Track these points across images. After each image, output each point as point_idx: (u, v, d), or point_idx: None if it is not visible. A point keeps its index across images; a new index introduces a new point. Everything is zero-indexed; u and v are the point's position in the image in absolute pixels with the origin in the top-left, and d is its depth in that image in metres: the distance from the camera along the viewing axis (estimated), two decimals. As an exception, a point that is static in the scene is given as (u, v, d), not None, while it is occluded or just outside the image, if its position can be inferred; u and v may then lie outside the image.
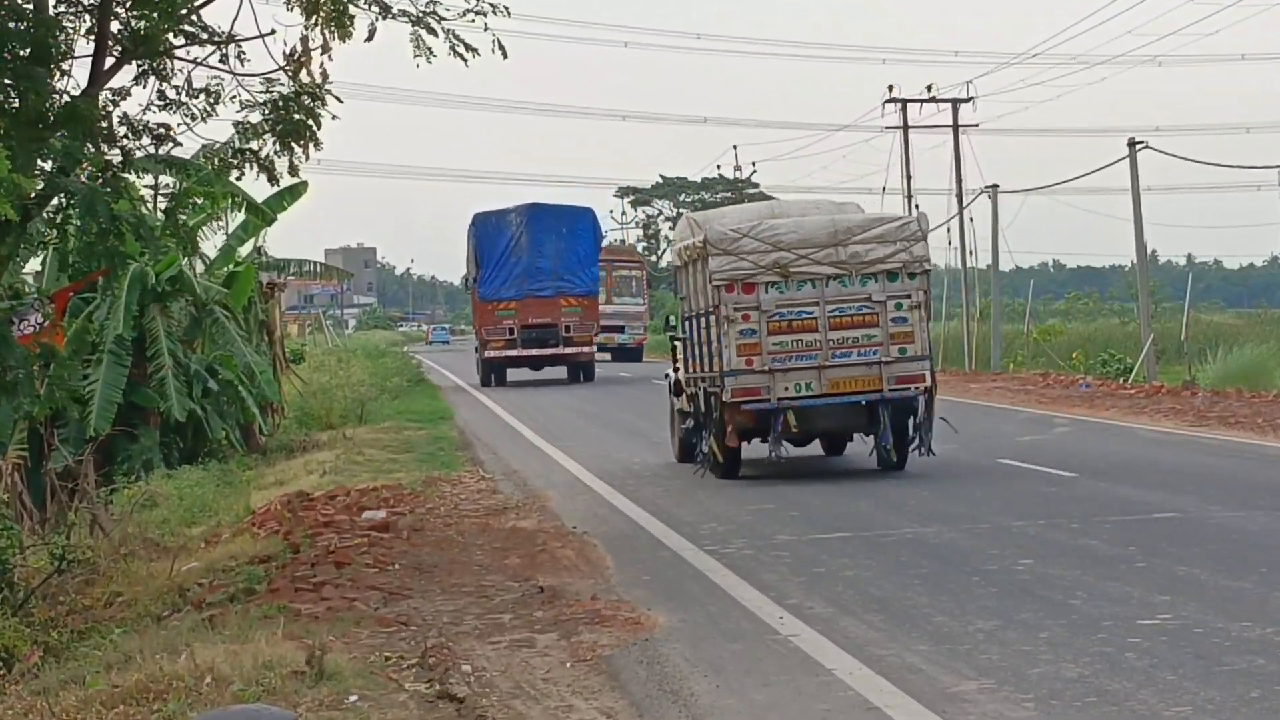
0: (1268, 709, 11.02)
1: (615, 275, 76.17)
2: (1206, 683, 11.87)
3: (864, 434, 28.05)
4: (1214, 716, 10.89)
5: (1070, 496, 23.10)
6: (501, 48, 20.07)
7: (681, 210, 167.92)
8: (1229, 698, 11.36)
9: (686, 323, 31.17)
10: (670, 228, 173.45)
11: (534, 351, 64.92)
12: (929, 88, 74.35)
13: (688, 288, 31.53)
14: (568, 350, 64.85)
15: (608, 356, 76.76)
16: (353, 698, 11.65)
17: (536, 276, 64.24)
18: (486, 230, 66.93)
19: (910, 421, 28.06)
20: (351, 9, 19.80)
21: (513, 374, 66.58)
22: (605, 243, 79.15)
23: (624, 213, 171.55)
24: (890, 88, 74.26)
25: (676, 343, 32.68)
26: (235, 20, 19.71)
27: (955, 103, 73.72)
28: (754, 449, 27.68)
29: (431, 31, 19.77)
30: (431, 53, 19.82)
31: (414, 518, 22.15)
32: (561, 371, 65.98)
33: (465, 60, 19.84)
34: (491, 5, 19.68)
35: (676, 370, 31.72)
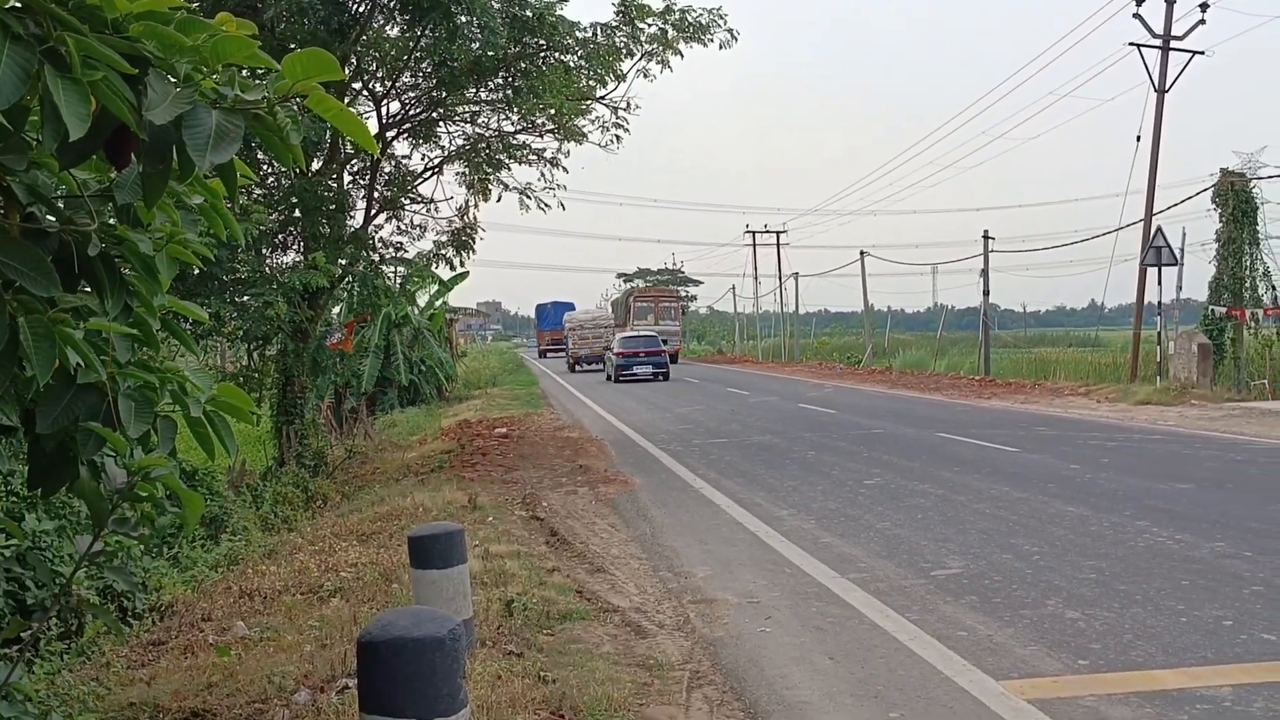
0: (925, 523, 11.07)
1: (661, 306, 62.01)
2: (896, 510, 11.92)
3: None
4: (900, 528, 10.93)
5: (834, 422, 23.07)
6: (561, 204, 20.16)
7: (615, 295, 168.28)
8: (907, 519, 11.41)
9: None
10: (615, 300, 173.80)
11: (556, 348, 76.49)
12: (765, 224, 74.57)
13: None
14: (561, 348, 70.64)
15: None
16: (490, 519, 11.65)
17: (554, 323, 79.08)
18: (540, 307, 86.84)
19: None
20: (490, 186, 19.92)
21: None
22: (612, 299, 78.83)
23: (619, 285, 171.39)
24: (746, 225, 74.63)
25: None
26: (434, 192, 19.99)
27: (778, 233, 73.29)
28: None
29: (527, 197, 19.83)
30: (528, 207, 19.93)
31: (519, 432, 22.11)
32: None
33: (545, 210, 19.92)
34: (557, 186, 19.77)
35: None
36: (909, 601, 8.07)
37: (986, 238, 41.26)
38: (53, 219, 2.84)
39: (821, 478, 14.70)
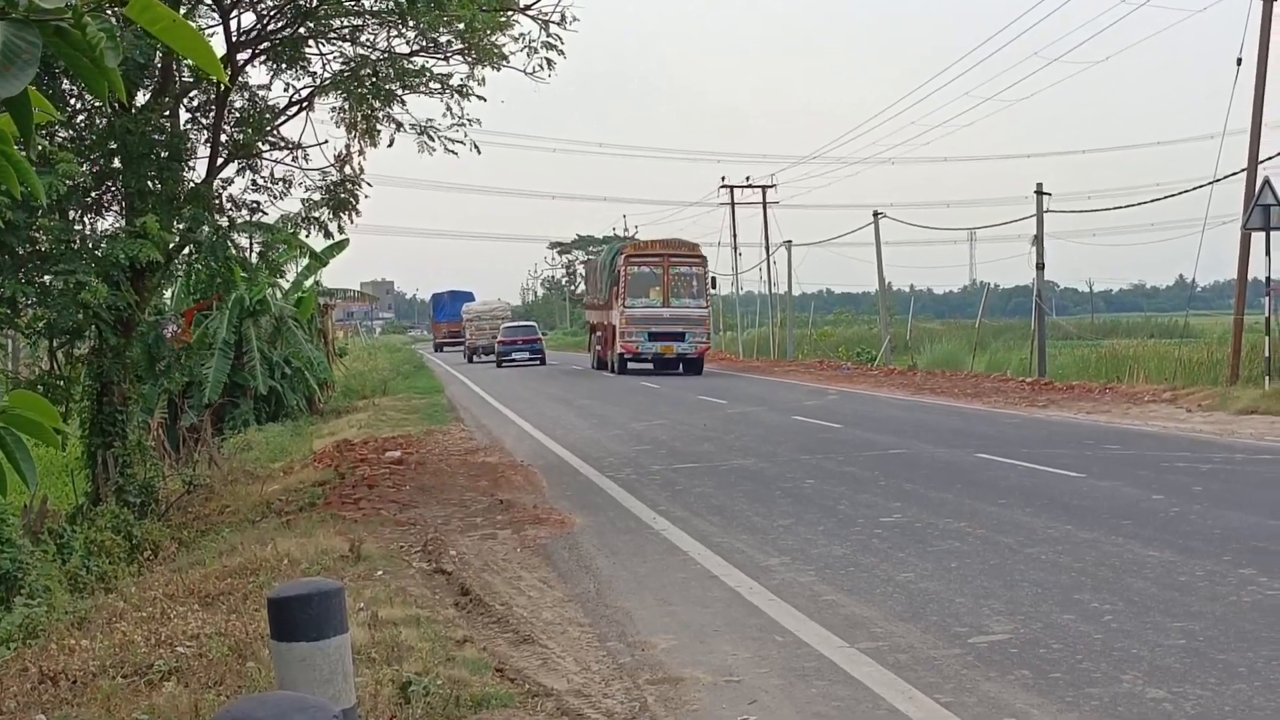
0: (960, 575, 11.15)
1: (673, 273, 48.48)
2: (923, 558, 12.00)
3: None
4: (928, 580, 11.00)
5: (838, 440, 23.17)
6: (476, 147, 20.09)
7: (590, 256, 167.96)
8: (937, 568, 11.49)
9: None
10: (583, 268, 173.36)
11: (454, 341, 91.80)
12: (747, 178, 74.27)
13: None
14: (459, 341, 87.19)
15: (649, 366, 49.63)
16: (379, 572, 11.61)
17: (453, 314, 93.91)
18: (436, 297, 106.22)
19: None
20: (378, 125, 19.87)
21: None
22: (544, 277, 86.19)
23: (553, 258, 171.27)
24: (723, 178, 74.21)
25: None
26: (302, 134, 19.81)
27: (764, 188, 73.57)
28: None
29: (430, 138, 19.78)
30: (431, 150, 19.89)
31: (419, 456, 22.03)
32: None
33: (455, 153, 19.91)
34: (469, 120, 19.71)
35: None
36: (940, 678, 8.12)
37: (1040, 194, 41.55)
38: None
39: (823, 514, 14.75)
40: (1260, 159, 31.21)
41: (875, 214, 54.40)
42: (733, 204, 74.88)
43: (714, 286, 55.31)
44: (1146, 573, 11.02)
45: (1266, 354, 29.19)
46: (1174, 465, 18.33)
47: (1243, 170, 31.45)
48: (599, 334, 55.84)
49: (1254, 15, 31.12)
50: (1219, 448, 20.62)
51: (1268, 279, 28.87)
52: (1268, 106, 31.86)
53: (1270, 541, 12.22)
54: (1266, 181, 29.12)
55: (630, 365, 49.37)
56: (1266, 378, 28.73)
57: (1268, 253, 28.42)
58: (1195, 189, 36.81)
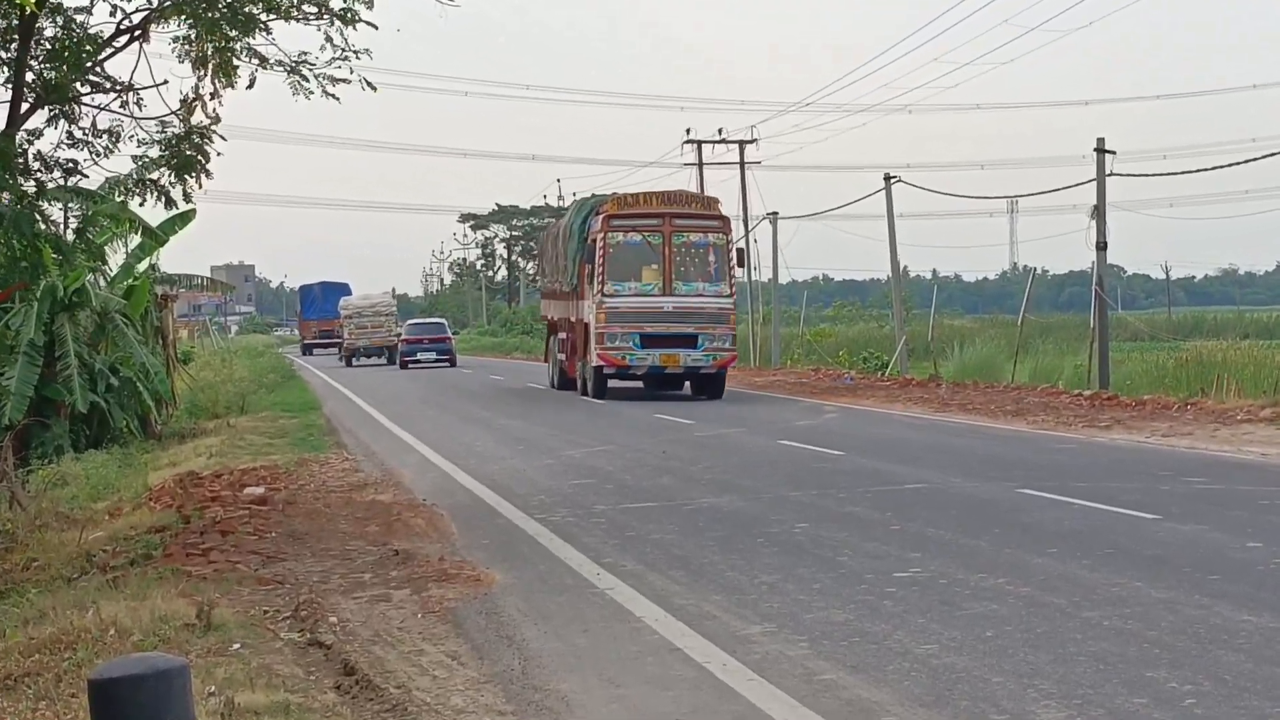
0: (998, 646, 11.16)
1: (678, 244, 40.71)
2: (949, 625, 12.01)
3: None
4: (956, 653, 11.01)
5: (838, 470, 23.22)
6: (370, 84, 19.91)
7: (513, 233, 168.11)
8: (968, 637, 11.50)
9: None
10: (505, 248, 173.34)
11: (326, 341, 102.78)
12: (720, 131, 74.58)
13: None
14: (333, 341, 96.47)
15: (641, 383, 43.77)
16: (236, 646, 11.54)
17: (325, 311, 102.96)
18: (305, 289, 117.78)
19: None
20: (235, 61, 19.65)
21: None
22: (453, 260, 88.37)
23: (465, 235, 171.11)
24: (688, 131, 74.50)
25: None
26: (134, 71, 19.53)
27: (742, 144, 74.00)
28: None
29: (304, 78, 19.62)
30: (309, 92, 19.71)
31: (288, 493, 21.92)
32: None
33: (337, 98, 19.73)
34: (354, 52, 19.55)
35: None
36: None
37: (1102, 152, 41.72)
38: None
39: (820, 568, 14.75)
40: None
41: (887, 178, 54.38)
42: (700, 164, 75.33)
43: (741, 264, 47.23)
44: (1240, 643, 11.05)
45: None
46: (1276, 504, 18.44)
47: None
48: (562, 335, 46.57)
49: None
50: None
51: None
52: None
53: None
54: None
55: (614, 383, 42.07)
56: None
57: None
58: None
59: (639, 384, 43.64)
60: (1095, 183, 41.30)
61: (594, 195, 45.66)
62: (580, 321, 42.83)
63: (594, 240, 41.41)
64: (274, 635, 12.15)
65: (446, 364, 74.40)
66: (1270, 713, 9.22)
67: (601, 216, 41.32)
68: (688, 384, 43.00)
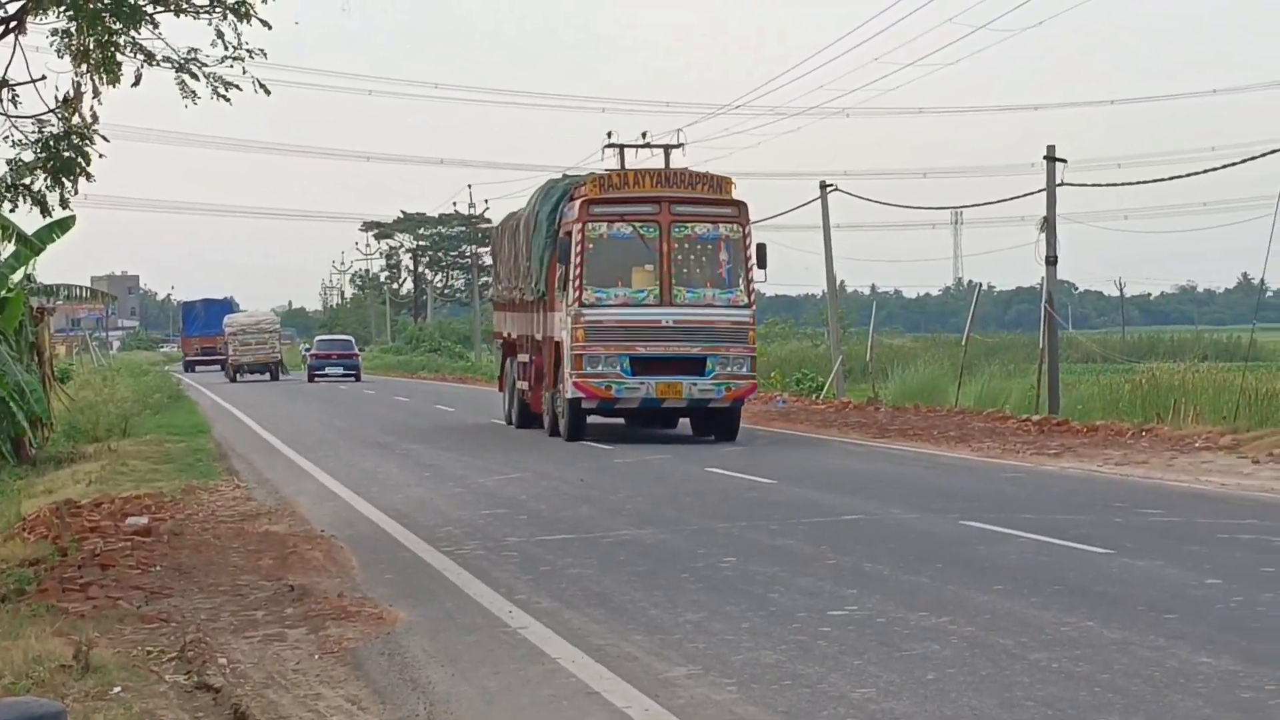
0: (940, 690, 11.20)
1: (679, 236, 34.28)
2: (888, 667, 12.05)
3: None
4: (895, 698, 11.03)
5: (769, 501, 23.27)
6: (264, 87, 19.85)
7: (420, 243, 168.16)
8: (908, 680, 11.54)
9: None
10: (411, 259, 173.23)
11: (209, 358, 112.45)
12: (644, 134, 74.45)
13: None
14: (215, 358, 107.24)
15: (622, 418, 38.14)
16: (117, 689, 11.44)
17: (207, 327, 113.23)
18: (187, 307, 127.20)
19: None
20: (119, 56, 19.52)
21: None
22: (355, 272, 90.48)
23: (368, 245, 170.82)
24: (609, 134, 74.21)
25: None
26: (9, 66, 19.39)
27: (667, 148, 73.80)
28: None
29: (194, 76, 19.55)
30: (196, 95, 19.62)
31: (174, 523, 21.77)
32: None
33: (228, 100, 19.65)
34: (248, 51, 19.47)
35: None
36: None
37: (1051, 160, 42.11)
38: None
39: (750, 605, 14.76)
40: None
41: (823, 186, 54.76)
42: (623, 170, 75.11)
43: (763, 264, 35.68)
44: (1198, 687, 11.13)
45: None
46: (1237, 538, 18.58)
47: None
48: (524, 358, 39.23)
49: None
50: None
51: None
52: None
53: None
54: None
55: (592, 419, 35.60)
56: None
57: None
58: (1266, 155, 37.35)
59: (623, 417, 36.81)
60: (1045, 193, 41.64)
61: (565, 176, 37.65)
62: (550, 339, 35.55)
63: (568, 233, 34.16)
64: (158, 677, 12.06)
65: (353, 379, 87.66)
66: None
67: (578, 203, 34.16)
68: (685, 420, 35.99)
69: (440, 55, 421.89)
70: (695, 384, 31.67)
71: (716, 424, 33.73)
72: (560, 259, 34.00)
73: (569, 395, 32.54)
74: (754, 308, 33.09)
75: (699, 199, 33.63)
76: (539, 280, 36.32)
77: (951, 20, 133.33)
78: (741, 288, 32.80)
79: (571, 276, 32.68)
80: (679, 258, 32.66)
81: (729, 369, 32.25)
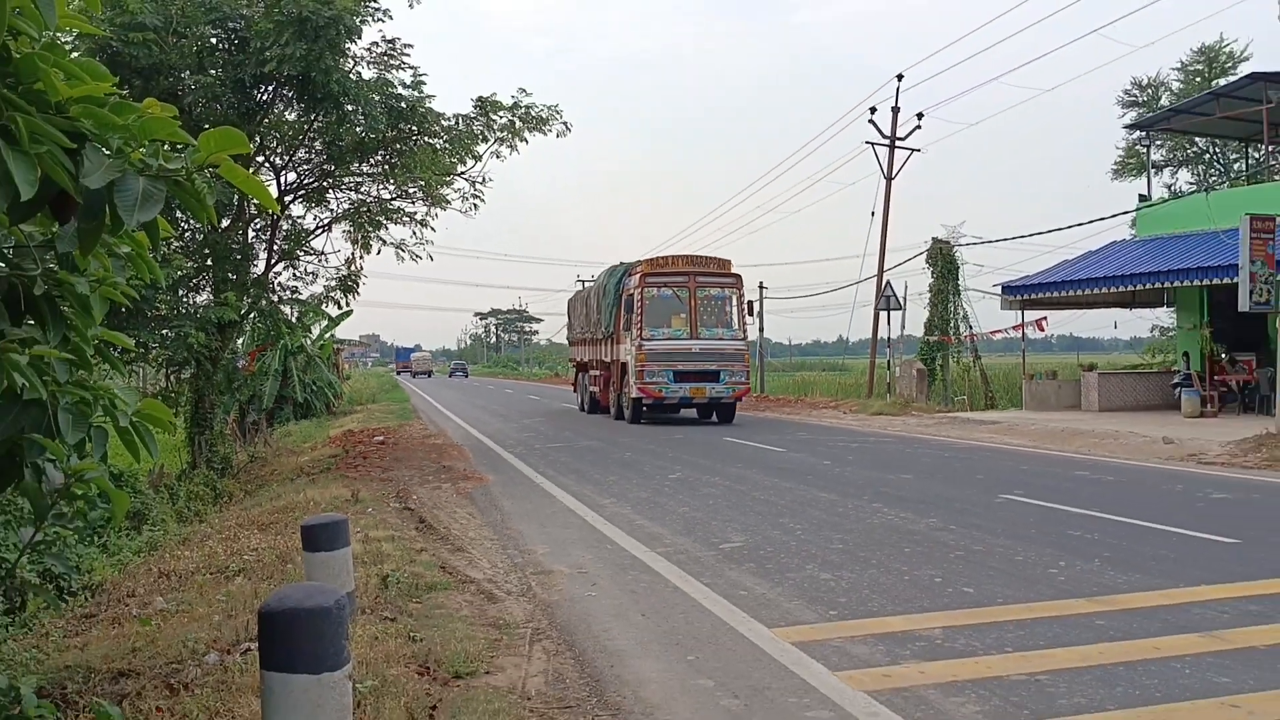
0: (715, 508, 11.22)
1: (701, 297, 25.65)
2: (694, 498, 12.05)
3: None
4: (697, 511, 11.06)
5: (648, 433, 23.23)
6: (430, 256, 19.65)
7: (498, 320, 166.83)
8: (702, 504, 11.54)
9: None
10: (495, 325, 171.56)
11: (406, 370, 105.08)
12: (581, 277, 73.56)
13: None
14: (410, 369, 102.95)
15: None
16: (370, 510, 11.36)
17: (406, 357, 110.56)
18: (399, 349, 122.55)
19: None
20: (371, 242, 19.36)
21: None
22: (470, 333, 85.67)
23: (475, 321, 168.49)
24: (577, 276, 74.48)
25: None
26: (324, 245, 19.67)
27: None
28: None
29: (401, 250, 19.37)
30: (403, 259, 19.43)
31: (394, 439, 21.60)
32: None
33: (416, 261, 19.51)
34: (426, 242, 19.30)
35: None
36: (702, 569, 8.20)
37: (762, 287, 42.90)
38: (3, 265, 2.78)
39: (636, 474, 14.78)
40: (885, 268, 32.34)
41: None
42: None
43: (751, 313, 28.16)
44: (820, 506, 11.24)
45: (888, 380, 30.30)
46: (836, 444, 18.75)
47: (874, 275, 32.49)
48: (594, 373, 30.90)
49: (881, 188, 32.24)
50: (861, 434, 21.16)
51: (888, 338, 30.08)
52: (890, 238, 33.02)
53: (890, 488, 12.57)
54: (888, 282, 30.39)
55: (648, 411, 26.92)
56: (888, 394, 29.77)
57: (889, 322, 29.73)
58: (848, 285, 37.86)
59: (670, 410, 27.32)
60: (759, 299, 41.76)
61: (622, 263, 28.47)
62: (617, 361, 27.73)
63: (631, 295, 26.26)
64: (387, 504, 11.96)
65: (462, 375, 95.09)
66: (833, 538, 9.38)
67: (638, 275, 26.17)
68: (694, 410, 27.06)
69: (512, 236, 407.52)
70: (713, 387, 24.87)
71: (723, 412, 25.91)
72: (626, 311, 26.06)
73: (633, 395, 25.47)
74: (746, 340, 25.88)
75: (712, 273, 25.77)
76: (607, 325, 27.98)
77: (722, 227, 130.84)
78: (739, 328, 25.55)
79: (635, 321, 25.31)
80: (701, 309, 25.27)
81: (734, 378, 25.04)
